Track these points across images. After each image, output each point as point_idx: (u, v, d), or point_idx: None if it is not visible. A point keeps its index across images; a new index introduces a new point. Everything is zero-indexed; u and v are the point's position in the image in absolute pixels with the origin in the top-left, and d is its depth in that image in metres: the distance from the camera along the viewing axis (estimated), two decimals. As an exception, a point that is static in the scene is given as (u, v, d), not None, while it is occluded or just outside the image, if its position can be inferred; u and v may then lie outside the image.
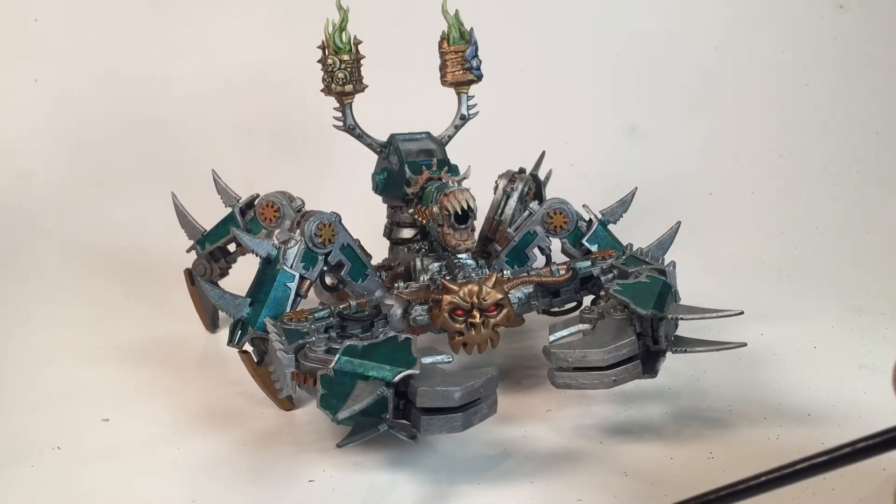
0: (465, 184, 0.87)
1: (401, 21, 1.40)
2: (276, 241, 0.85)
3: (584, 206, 0.95)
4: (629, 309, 0.76)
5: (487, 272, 0.84)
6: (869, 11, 1.47)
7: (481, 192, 0.89)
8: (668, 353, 0.76)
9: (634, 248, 0.91)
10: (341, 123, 0.94)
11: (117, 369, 0.96)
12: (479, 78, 0.97)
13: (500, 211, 1.00)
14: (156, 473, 0.74)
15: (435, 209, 0.84)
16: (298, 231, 0.85)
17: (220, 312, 1.06)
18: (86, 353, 1.01)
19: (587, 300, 0.91)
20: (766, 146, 1.43)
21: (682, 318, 0.77)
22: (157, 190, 1.17)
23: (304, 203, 0.97)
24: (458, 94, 0.98)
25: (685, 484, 0.68)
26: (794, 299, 1.10)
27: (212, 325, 1.08)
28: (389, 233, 0.96)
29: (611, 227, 0.95)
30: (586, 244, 0.93)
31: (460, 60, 0.96)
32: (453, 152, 0.96)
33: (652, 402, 0.82)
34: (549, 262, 0.93)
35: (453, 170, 0.93)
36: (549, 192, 1.04)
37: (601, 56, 1.51)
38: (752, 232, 1.32)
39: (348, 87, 0.91)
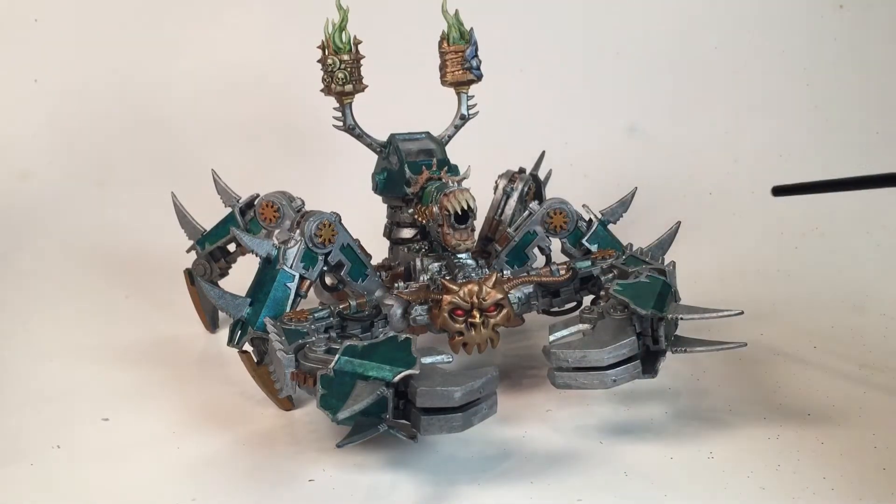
0: (465, 184, 0.87)
1: (401, 21, 1.40)
2: (276, 241, 0.85)
3: (584, 206, 0.95)
4: (629, 309, 0.76)
5: (487, 272, 0.84)
6: (869, 11, 1.46)
7: (481, 192, 0.89)
8: (668, 353, 0.76)
9: (634, 248, 0.91)
10: (341, 123, 0.94)
11: (117, 369, 0.96)
12: (479, 78, 0.97)
13: (500, 211, 0.99)
14: (156, 473, 0.74)
15: (435, 209, 0.84)
16: (298, 231, 0.85)
17: (220, 312, 1.06)
18: (86, 353, 1.01)
19: (587, 300, 0.91)
20: (766, 146, 1.43)
21: (682, 318, 0.77)
22: (157, 190, 1.17)
23: (304, 203, 0.97)
24: (458, 94, 0.98)
25: (685, 484, 0.68)
26: (794, 299, 1.10)
27: (212, 325, 1.08)
28: (389, 233, 0.96)
29: (611, 227, 0.95)
30: (586, 244, 0.93)
31: (460, 60, 0.96)
32: (453, 152, 0.96)
33: (652, 402, 0.82)
34: (549, 262, 0.93)
35: (453, 170, 0.93)
36: (549, 192, 1.04)
37: (601, 56, 1.51)
38: (752, 232, 1.32)
39: (348, 87, 0.91)
